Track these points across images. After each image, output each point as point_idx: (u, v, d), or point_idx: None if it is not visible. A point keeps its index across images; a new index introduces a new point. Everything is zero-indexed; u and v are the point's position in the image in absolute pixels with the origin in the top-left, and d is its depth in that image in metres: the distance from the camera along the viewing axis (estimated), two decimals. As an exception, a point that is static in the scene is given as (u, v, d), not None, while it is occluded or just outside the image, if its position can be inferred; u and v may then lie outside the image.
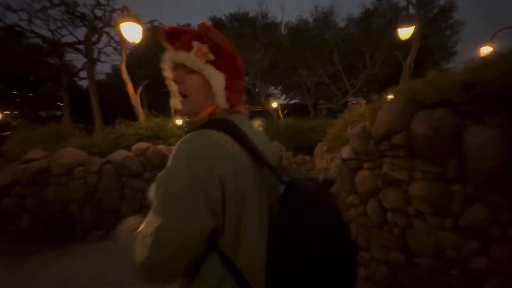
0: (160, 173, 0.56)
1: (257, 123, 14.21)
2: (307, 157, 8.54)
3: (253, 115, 16.27)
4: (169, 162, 0.55)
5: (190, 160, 0.53)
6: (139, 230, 0.58)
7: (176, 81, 0.66)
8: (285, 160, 8.71)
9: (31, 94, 14.66)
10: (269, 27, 16.41)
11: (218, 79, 0.64)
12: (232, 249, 0.55)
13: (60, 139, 4.28)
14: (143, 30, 4.37)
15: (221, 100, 0.65)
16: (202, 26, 0.66)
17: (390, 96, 2.97)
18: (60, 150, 3.70)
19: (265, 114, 15.76)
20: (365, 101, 12.95)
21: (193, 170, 0.52)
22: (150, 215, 0.54)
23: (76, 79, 14.95)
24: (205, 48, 0.64)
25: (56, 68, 14.09)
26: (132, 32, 4.23)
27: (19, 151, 3.95)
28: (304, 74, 15.57)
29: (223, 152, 0.55)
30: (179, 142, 0.57)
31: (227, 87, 0.65)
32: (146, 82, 9.70)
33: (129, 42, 4.49)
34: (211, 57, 0.64)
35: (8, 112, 12.78)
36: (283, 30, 17.70)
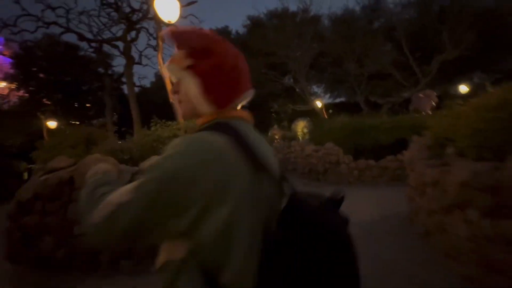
0: (156, 159, 0.54)
1: (301, 124, 13.05)
2: (371, 162, 7.03)
3: (296, 115, 15.13)
4: (162, 155, 0.54)
5: (175, 162, 0.52)
6: (107, 191, 0.57)
7: (174, 92, 0.68)
8: (343, 165, 7.31)
9: (86, 104, 15.56)
10: (311, 21, 15.19)
11: (189, 86, 0.63)
12: (216, 263, 0.50)
13: (90, 144, 3.67)
14: (180, 9, 3.63)
15: (201, 106, 0.63)
16: (167, 34, 0.65)
17: None
18: (86, 157, 3.00)
19: (310, 113, 14.46)
20: (435, 93, 10.87)
21: (174, 172, 0.51)
22: (128, 186, 0.53)
23: (122, 86, 15.54)
24: (181, 55, 0.63)
25: (103, 76, 14.78)
26: (168, 9, 3.51)
27: (48, 158, 3.40)
28: (353, 67, 13.88)
29: (216, 158, 0.52)
30: (175, 140, 0.56)
31: (207, 91, 0.62)
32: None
33: (165, 24, 3.76)
34: (188, 62, 0.62)
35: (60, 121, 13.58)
36: (326, 23, 16.31)
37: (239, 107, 0.67)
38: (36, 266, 2.92)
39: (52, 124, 12.38)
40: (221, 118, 0.62)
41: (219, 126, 0.58)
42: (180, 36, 0.64)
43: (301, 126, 12.16)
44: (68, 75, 13.67)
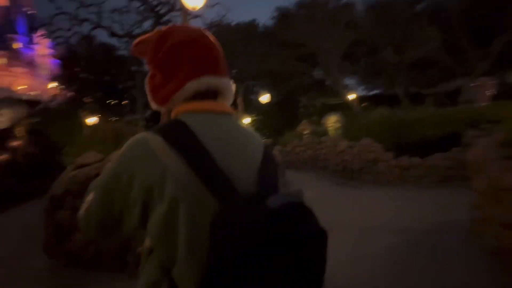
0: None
1: (333, 118, 12.31)
2: (416, 160, 6.27)
3: (327, 109, 14.33)
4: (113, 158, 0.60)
5: (116, 163, 0.56)
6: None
7: None
8: (382, 163, 6.64)
9: (122, 101, 16.41)
10: (344, 8, 14.20)
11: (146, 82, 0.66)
12: (168, 259, 0.51)
13: (119, 140, 3.63)
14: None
15: (151, 102, 0.65)
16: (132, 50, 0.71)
17: None
18: (113, 153, 2.92)
19: (342, 107, 13.61)
20: (492, 82, 9.47)
21: (115, 173, 0.55)
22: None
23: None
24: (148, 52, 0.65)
25: (135, 74, 15.35)
26: (193, -3, 3.29)
27: (79, 153, 3.43)
28: (391, 55, 12.68)
29: (150, 157, 0.51)
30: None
31: (155, 87, 0.63)
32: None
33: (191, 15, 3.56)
34: (147, 58, 0.64)
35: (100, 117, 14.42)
36: (361, 8, 15.14)
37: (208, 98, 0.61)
38: (69, 263, 2.94)
39: (90, 121, 13.15)
40: (183, 113, 0.59)
41: (166, 125, 0.58)
42: (134, 47, 0.68)
43: (332, 121, 11.48)
44: (107, 74, 14.46)
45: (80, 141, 3.80)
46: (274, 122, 16.23)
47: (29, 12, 49.83)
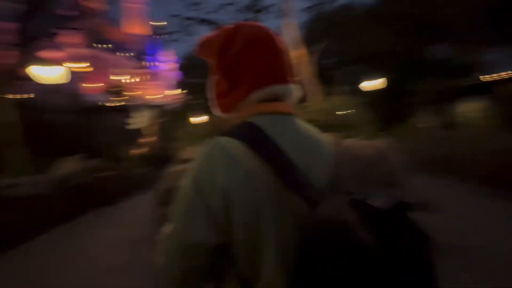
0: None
1: (472, 105, 9.09)
2: None
3: (456, 94, 10.86)
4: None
5: (195, 171, 0.50)
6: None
7: None
8: None
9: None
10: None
11: (209, 87, 0.64)
12: (252, 273, 0.49)
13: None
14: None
15: (214, 109, 0.62)
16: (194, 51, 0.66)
17: None
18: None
19: (479, 90, 10.00)
20: None
21: (196, 182, 0.49)
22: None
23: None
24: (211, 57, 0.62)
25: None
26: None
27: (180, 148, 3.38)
28: None
29: (230, 161, 0.48)
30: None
31: (219, 94, 0.60)
32: (322, 46, 7.54)
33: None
34: (213, 61, 0.61)
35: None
36: None
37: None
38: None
39: (194, 120, 14.75)
40: (251, 115, 0.56)
41: (240, 128, 0.53)
42: (199, 48, 0.63)
43: (472, 108, 8.45)
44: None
45: (183, 137, 3.83)
46: (380, 113, 13.76)
47: (163, 36, 62.71)
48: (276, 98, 0.57)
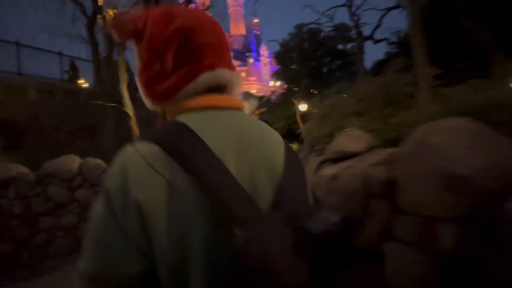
0: None
1: None
2: None
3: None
4: None
5: (106, 186, 0.40)
6: None
7: None
8: None
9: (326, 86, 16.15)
10: None
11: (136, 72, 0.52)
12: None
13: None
14: None
15: (145, 99, 0.50)
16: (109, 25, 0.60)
17: None
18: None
19: None
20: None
21: (106, 200, 0.39)
22: None
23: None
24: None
25: (342, 53, 14.21)
26: None
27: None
28: None
29: (144, 171, 0.38)
30: None
31: (150, 79, 0.48)
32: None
33: None
34: (140, 39, 0.49)
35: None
36: None
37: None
38: None
39: (302, 107, 13.70)
40: (182, 112, 0.45)
41: (163, 131, 0.43)
42: (116, 25, 0.50)
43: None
44: (312, 60, 14.59)
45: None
46: None
47: (257, 33, 66.66)
48: (221, 88, 0.47)
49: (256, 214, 0.35)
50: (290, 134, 16.77)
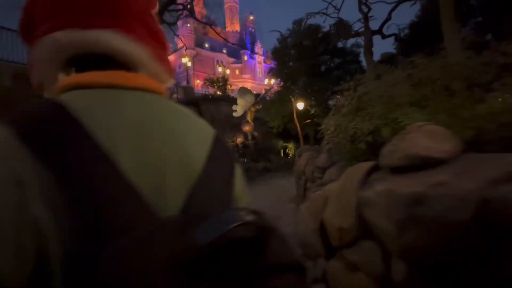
0: None
1: None
2: None
3: None
4: None
5: None
6: None
7: None
8: None
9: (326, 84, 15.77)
10: None
11: None
12: None
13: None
14: None
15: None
16: None
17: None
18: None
19: None
20: None
21: None
22: None
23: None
24: None
25: (342, 51, 13.85)
26: None
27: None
28: None
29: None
30: None
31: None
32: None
33: None
34: None
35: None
36: None
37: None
38: None
39: (299, 106, 13.24)
40: (56, 92, 0.36)
41: (27, 110, 0.33)
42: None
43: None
44: (310, 58, 14.15)
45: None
46: None
47: (252, 30, 66.08)
48: (121, 62, 0.37)
49: (142, 223, 0.28)
50: (286, 133, 16.41)
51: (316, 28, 13.38)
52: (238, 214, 0.28)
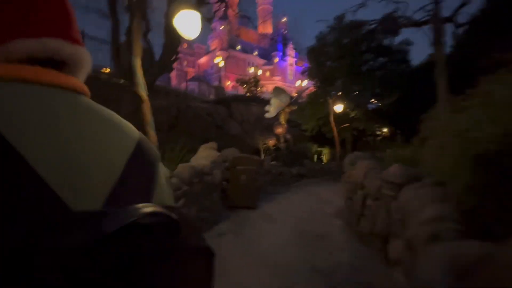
0: None
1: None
2: None
3: None
4: None
5: None
6: None
7: None
8: None
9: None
10: None
11: None
12: None
13: None
14: None
15: None
16: None
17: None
18: None
19: None
20: None
21: None
22: None
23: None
24: None
25: (387, 50, 12.64)
26: None
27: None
28: None
29: None
30: None
31: None
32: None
33: None
34: None
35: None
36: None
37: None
38: None
39: (338, 108, 12.29)
40: None
41: None
42: None
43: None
44: (352, 57, 13.11)
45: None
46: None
47: (284, 32, 65.45)
48: (57, 64, 0.39)
49: (55, 216, 0.29)
50: (320, 137, 15.40)
51: (359, 24, 12.31)
52: (144, 207, 0.29)
